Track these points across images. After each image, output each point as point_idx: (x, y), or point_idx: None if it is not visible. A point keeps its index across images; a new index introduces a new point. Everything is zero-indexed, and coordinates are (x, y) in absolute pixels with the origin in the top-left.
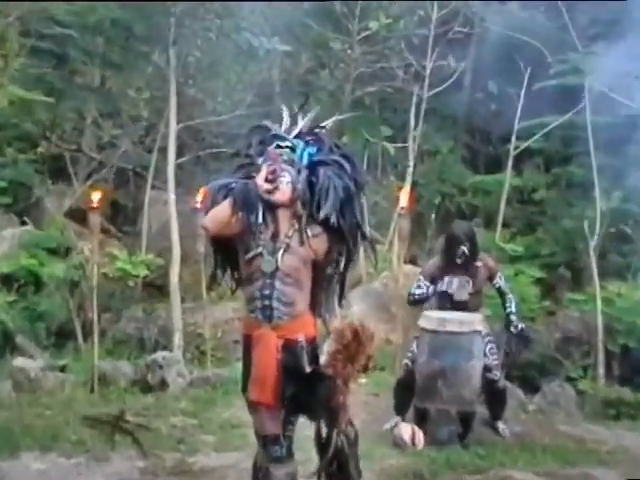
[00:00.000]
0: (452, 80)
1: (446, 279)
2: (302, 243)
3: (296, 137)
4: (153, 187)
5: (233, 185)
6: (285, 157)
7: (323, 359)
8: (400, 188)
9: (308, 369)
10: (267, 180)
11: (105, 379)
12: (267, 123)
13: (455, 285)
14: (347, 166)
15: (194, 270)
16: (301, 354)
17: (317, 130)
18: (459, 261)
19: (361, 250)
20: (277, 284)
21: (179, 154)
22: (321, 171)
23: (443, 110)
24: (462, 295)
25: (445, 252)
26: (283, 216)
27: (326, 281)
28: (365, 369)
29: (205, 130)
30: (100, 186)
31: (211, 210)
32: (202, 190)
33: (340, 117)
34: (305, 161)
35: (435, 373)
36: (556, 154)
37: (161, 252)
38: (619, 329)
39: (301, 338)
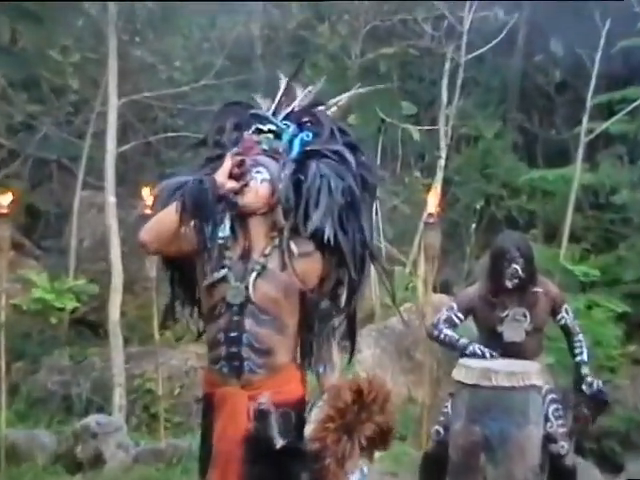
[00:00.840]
0: (500, 38)
1: (492, 311)
2: (284, 266)
3: (286, 118)
4: (85, 186)
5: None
6: (265, 145)
7: (309, 429)
8: (428, 187)
9: (290, 443)
10: (232, 176)
11: (16, 453)
12: (252, 99)
13: (505, 320)
14: (351, 159)
15: (142, 301)
16: (281, 423)
17: (316, 109)
18: (510, 285)
19: (373, 274)
20: (248, 323)
21: (121, 140)
22: (313, 165)
23: (488, 79)
24: (515, 334)
25: (491, 273)
26: (257, 227)
27: (320, 320)
28: (375, 443)
29: (158, 107)
30: (11, 184)
31: (153, 218)
32: (153, 190)
33: (359, 90)
34: (296, 151)
35: (476, 444)
36: None
37: (96, 276)
38: None
39: (282, 401)
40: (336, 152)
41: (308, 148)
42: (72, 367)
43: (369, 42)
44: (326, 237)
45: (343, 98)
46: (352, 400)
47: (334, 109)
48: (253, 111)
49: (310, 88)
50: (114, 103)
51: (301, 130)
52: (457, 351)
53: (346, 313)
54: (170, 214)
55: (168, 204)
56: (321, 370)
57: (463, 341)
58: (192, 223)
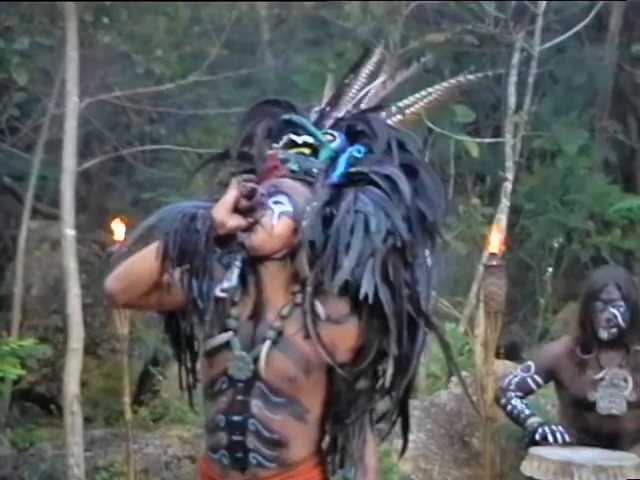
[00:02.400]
0: (587, 22)
1: (582, 373)
2: (307, 333)
3: (334, 126)
4: (35, 214)
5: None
6: (293, 165)
7: None
8: (490, 219)
9: None
10: (240, 210)
11: None
12: (286, 98)
13: (600, 385)
14: (405, 188)
15: (110, 368)
16: None
17: (371, 113)
18: (605, 336)
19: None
20: (255, 405)
21: (84, 154)
22: (349, 195)
23: (570, 76)
24: (614, 405)
25: (580, 319)
26: (273, 278)
27: (353, 406)
28: None
29: (132, 110)
30: None
31: (126, 261)
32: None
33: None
34: (340, 172)
35: None
36: None
37: (48, 335)
38: None
39: None
40: (387, 177)
41: (353, 170)
42: (14, 456)
43: (412, 26)
44: (362, 294)
45: (417, 101)
46: None
47: (399, 117)
48: (287, 116)
49: (378, 84)
50: (74, 105)
51: (352, 144)
52: (525, 431)
53: (392, 397)
54: (148, 259)
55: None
56: (349, 473)
57: (534, 420)
58: (177, 274)
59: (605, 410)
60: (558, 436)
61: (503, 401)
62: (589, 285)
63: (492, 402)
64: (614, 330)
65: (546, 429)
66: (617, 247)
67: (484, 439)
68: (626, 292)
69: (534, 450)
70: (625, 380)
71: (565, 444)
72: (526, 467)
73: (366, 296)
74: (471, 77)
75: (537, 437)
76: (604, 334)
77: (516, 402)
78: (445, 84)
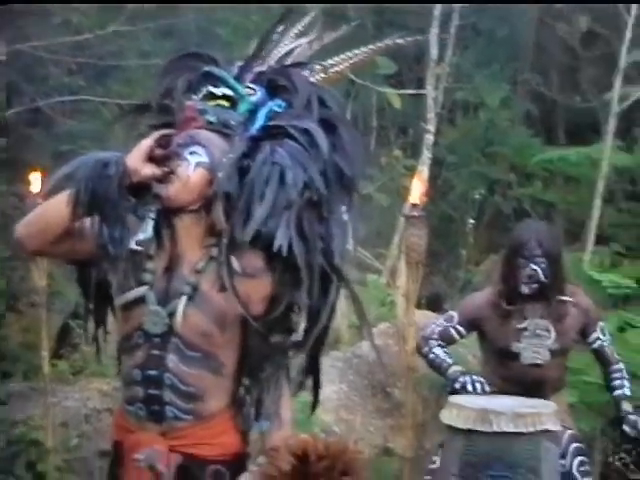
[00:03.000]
0: None
1: (506, 323)
2: (222, 287)
3: (256, 80)
4: None
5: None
6: (211, 116)
7: None
8: (412, 171)
9: None
10: (154, 159)
11: None
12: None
13: (524, 335)
14: (323, 142)
15: (28, 322)
16: None
17: (294, 69)
18: (527, 291)
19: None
20: (171, 359)
21: (1, 106)
22: (266, 148)
23: (492, 29)
24: (537, 354)
25: (503, 273)
26: (188, 231)
27: (267, 359)
28: None
29: (50, 61)
30: None
31: (37, 208)
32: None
33: (371, 48)
34: (258, 126)
35: None
36: None
37: None
38: None
39: (214, 456)
40: (305, 131)
41: (271, 123)
42: None
43: None
44: (276, 246)
45: (342, 61)
46: (292, 468)
47: (323, 75)
48: (206, 68)
49: (304, 42)
50: None
51: (272, 98)
52: (446, 380)
53: (305, 350)
54: (58, 205)
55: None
56: (264, 426)
57: (455, 369)
58: (89, 221)
59: (528, 360)
60: (478, 386)
61: (425, 350)
62: (511, 241)
63: (413, 352)
64: (535, 285)
65: (467, 379)
66: (538, 199)
67: (405, 389)
68: (547, 248)
69: (453, 399)
70: (548, 330)
71: (489, 393)
72: (445, 415)
73: (280, 249)
74: (399, 41)
75: (457, 386)
76: (526, 289)
77: (438, 351)
78: (372, 47)
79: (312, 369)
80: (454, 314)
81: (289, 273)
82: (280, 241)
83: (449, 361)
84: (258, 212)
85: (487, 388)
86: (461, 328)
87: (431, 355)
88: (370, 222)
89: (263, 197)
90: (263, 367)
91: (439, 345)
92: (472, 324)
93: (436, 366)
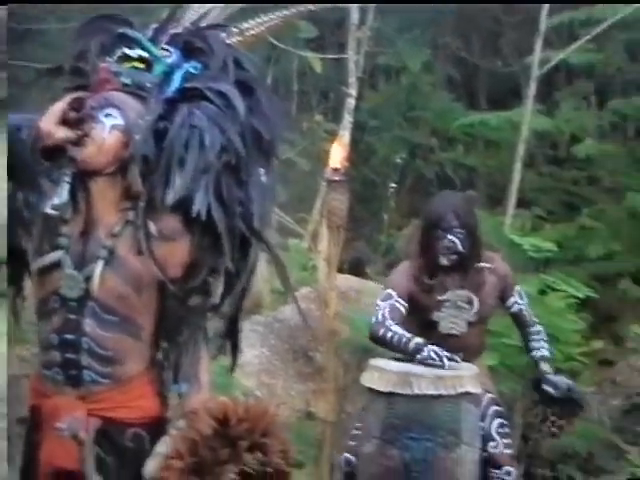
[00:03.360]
0: None
1: (428, 295)
2: (139, 250)
3: (171, 42)
4: None
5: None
6: (126, 78)
7: (150, 466)
8: (333, 135)
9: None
10: (68, 121)
11: None
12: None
13: (444, 306)
14: (240, 104)
15: None
16: (132, 449)
17: (210, 31)
18: (446, 262)
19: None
20: (88, 324)
21: None
22: (183, 110)
23: None
24: (455, 325)
25: (421, 247)
26: (103, 194)
27: (185, 322)
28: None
29: None
30: None
31: None
32: None
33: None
34: (174, 88)
35: (393, 472)
36: (618, 74)
37: None
38: None
39: (132, 419)
40: (221, 94)
41: (187, 85)
42: None
43: None
44: (195, 210)
45: (259, 24)
46: (213, 431)
47: (239, 38)
48: (121, 30)
49: (221, 5)
50: None
51: (188, 60)
52: (409, 355)
53: (222, 313)
54: None
55: None
56: (183, 388)
57: (418, 340)
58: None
59: (445, 329)
60: (443, 356)
61: (382, 331)
62: (427, 214)
63: (335, 316)
64: (454, 256)
65: (431, 350)
66: (460, 163)
67: (327, 353)
68: (464, 219)
69: (374, 361)
70: (469, 302)
71: (451, 362)
72: (366, 379)
73: (199, 213)
74: (312, 7)
75: (424, 355)
76: (444, 260)
77: (396, 328)
78: (287, 12)
79: (231, 332)
80: (390, 291)
81: (208, 237)
82: (199, 206)
83: (408, 335)
84: (179, 179)
85: (454, 357)
86: (403, 302)
87: (389, 334)
88: (292, 187)
89: (183, 161)
90: (181, 330)
91: (395, 323)
92: (406, 297)
93: (396, 342)
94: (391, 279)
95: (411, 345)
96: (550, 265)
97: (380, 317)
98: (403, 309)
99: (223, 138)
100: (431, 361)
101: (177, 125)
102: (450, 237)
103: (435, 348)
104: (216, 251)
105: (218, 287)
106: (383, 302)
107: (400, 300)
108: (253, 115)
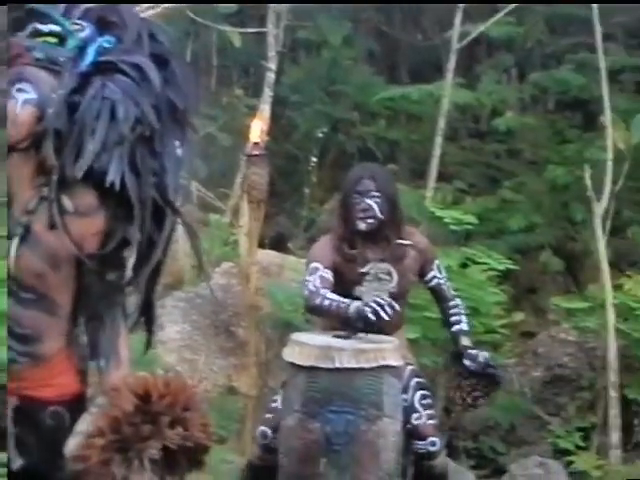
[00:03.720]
0: None
1: (350, 267)
2: (52, 225)
3: (84, 16)
4: None
5: None
6: (39, 53)
7: (72, 444)
8: (254, 111)
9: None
10: None
11: None
12: None
13: (366, 279)
14: (155, 76)
15: None
16: (52, 427)
17: (123, 6)
18: (364, 227)
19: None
20: (6, 302)
21: None
22: (96, 83)
23: None
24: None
25: (340, 212)
26: (18, 169)
27: (102, 297)
28: (176, 464)
29: None
30: None
31: None
32: None
33: None
34: (88, 62)
35: (314, 445)
36: (538, 47)
37: None
38: None
39: (52, 397)
40: (136, 66)
41: (101, 59)
42: None
43: None
44: (108, 181)
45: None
46: (134, 407)
47: (152, 11)
48: (32, 5)
49: None
50: None
51: (102, 34)
52: (349, 319)
53: (138, 287)
54: None
55: None
56: (102, 364)
57: (357, 302)
58: None
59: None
60: (387, 309)
61: (319, 300)
62: (346, 181)
63: (256, 291)
64: (371, 221)
65: (374, 305)
66: (382, 137)
67: (249, 328)
68: (382, 184)
69: (296, 336)
70: (389, 274)
71: (393, 310)
72: (288, 353)
73: (112, 185)
74: None
75: (370, 313)
76: (362, 225)
77: (332, 295)
78: None
79: (146, 307)
80: (316, 264)
81: (122, 209)
82: (112, 177)
83: (346, 300)
84: (89, 148)
85: (395, 305)
86: (329, 271)
87: (327, 302)
88: (212, 162)
89: (94, 132)
90: (99, 306)
91: (330, 291)
92: (332, 269)
93: (335, 309)
94: (314, 253)
95: (351, 309)
96: (471, 238)
97: (313, 288)
98: (332, 279)
99: (137, 110)
100: (378, 309)
101: (89, 97)
102: (367, 201)
103: (376, 299)
104: (131, 223)
105: (131, 260)
106: (311, 275)
107: (327, 271)
108: (168, 87)
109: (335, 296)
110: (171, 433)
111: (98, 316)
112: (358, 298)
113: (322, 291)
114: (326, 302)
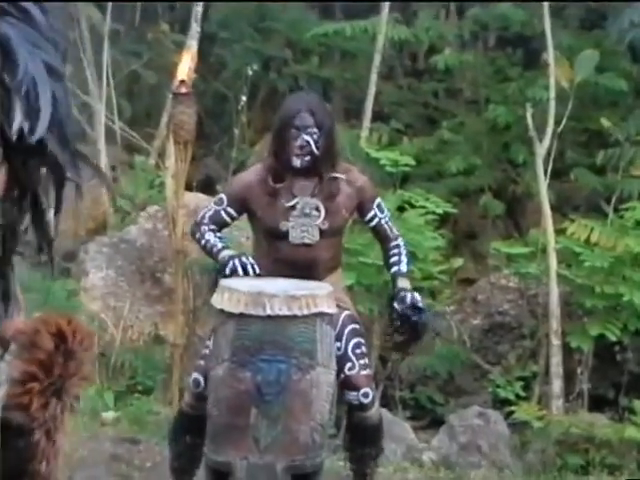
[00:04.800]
0: None
1: (274, 202)
2: None
3: None
4: None
5: None
6: None
7: None
8: (181, 48)
9: None
10: None
11: None
12: None
13: (292, 214)
14: (42, 19)
15: None
16: None
17: None
18: (299, 163)
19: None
20: None
21: None
22: None
23: None
24: (306, 234)
25: (273, 146)
26: None
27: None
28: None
29: None
30: None
31: None
32: None
33: None
34: None
35: (244, 395)
36: None
37: None
38: (591, 307)
39: None
40: (23, 10)
41: None
42: None
43: None
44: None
45: None
46: (54, 347)
47: None
48: None
49: None
50: None
51: None
52: (219, 267)
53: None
54: None
55: None
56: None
57: (226, 253)
58: None
59: (297, 239)
60: (249, 269)
61: (197, 235)
62: (282, 112)
63: (183, 236)
64: (308, 158)
65: (236, 261)
66: (315, 76)
67: (176, 274)
68: (320, 119)
69: (225, 282)
70: (317, 209)
71: (256, 276)
72: (217, 300)
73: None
74: None
75: (227, 270)
76: (297, 162)
77: (209, 236)
78: None
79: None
80: (223, 196)
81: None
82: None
83: (220, 245)
84: None
85: (258, 270)
86: (231, 210)
87: (203, 241)
88: (137, 101)
89: None
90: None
91: (211, 230)
92: (242, 205)
93: (208, 251)
94: (231, 183)
95: (220, 256)
96: (408, 180)
97: (199, 218)
98: (228, 218)
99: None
100: (240, 272)
101: None
102: (305, 137)
103: (244, 259)
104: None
105: (25, 202)
106: (211, 205)
107: (228, 208)
108: (55, 29)
109: (212, 238)
110: (88, 370)
111: (5, 264)
112: (287, 234)
113: (204, 227)
114: (202, 241)
